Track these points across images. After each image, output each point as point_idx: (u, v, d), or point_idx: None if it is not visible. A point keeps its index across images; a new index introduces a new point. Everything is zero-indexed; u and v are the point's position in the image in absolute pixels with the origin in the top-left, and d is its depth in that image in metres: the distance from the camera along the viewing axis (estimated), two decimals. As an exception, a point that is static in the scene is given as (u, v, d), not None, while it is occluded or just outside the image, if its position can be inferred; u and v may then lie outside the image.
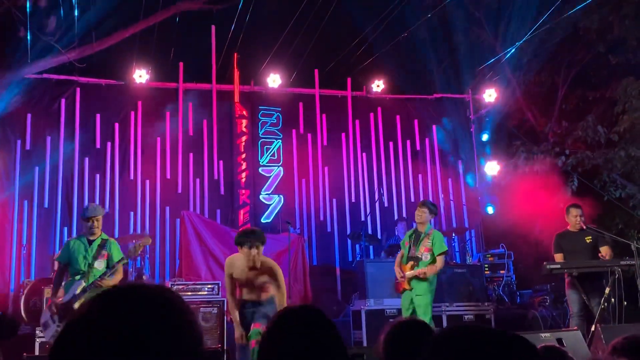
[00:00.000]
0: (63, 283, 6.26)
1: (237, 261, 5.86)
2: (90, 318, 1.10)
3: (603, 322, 6.76)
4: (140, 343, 1.06)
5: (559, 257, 7.57)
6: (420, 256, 7.32)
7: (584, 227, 7.54)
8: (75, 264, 6.22)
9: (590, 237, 7.55)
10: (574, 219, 7.60)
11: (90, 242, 6.30)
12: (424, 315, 7.02)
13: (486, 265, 10.32)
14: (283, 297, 5.79)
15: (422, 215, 7.43)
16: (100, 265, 6.23)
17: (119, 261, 6.23)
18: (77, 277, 6.19)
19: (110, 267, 6.22)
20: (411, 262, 7.29)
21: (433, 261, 7.22)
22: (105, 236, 6.40)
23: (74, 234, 10.24)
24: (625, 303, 6.86)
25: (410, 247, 7.39)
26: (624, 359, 2.37)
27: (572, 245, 7.57)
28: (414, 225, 7.78)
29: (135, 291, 1.17)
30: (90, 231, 6.33)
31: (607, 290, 6.93)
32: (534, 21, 11.20)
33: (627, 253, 7.58)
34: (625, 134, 10.40)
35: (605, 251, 7.47)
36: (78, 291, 6.03)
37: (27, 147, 10.41)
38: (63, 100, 10.67)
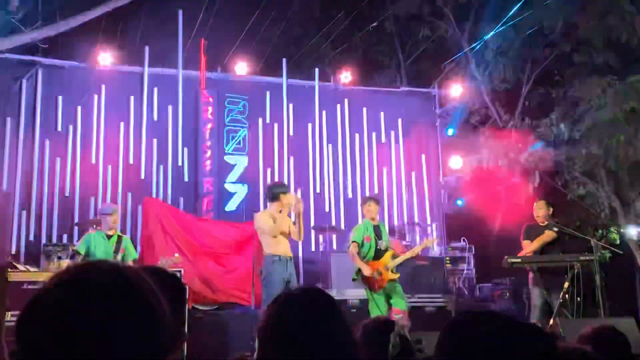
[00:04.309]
0: None
1: None
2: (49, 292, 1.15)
3: (562, 317, 6.91)
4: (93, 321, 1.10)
5: (526, 243, 7.76)
6: (390, 246, 7.52)
7: (542, 223, 7.78)
8: (95, 257, 6.64)
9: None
10: (534, 214, 7.86)
11: (109, 237, 6.78)
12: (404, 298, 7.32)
13: (447, 258, 10.45)
14: None
15: (375, 209, 7.69)
16: (117, 258, 6.70)
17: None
18: None
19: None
20: (389, 252, 7.45)
21: None
22: (119, 233, 6.89)
23: (33, 218, 10.08)
24: (579, 299, 7.03)
25: (375, 241, 7.45)
26: (589, 347, 2.49)
27: (536, 238, 7.75)
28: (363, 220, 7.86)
29: (93, 266, 1.20)
30: (110, 226, 6.84)
31: (565, 284, 7.08)
32: (500, 18, 11.32)
33: (585, 249, 7.78)
34: (588, 132, 10.58)
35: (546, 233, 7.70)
36: None
37: (-14, 128, 10.17)
38: (24, 81, 10.40)
